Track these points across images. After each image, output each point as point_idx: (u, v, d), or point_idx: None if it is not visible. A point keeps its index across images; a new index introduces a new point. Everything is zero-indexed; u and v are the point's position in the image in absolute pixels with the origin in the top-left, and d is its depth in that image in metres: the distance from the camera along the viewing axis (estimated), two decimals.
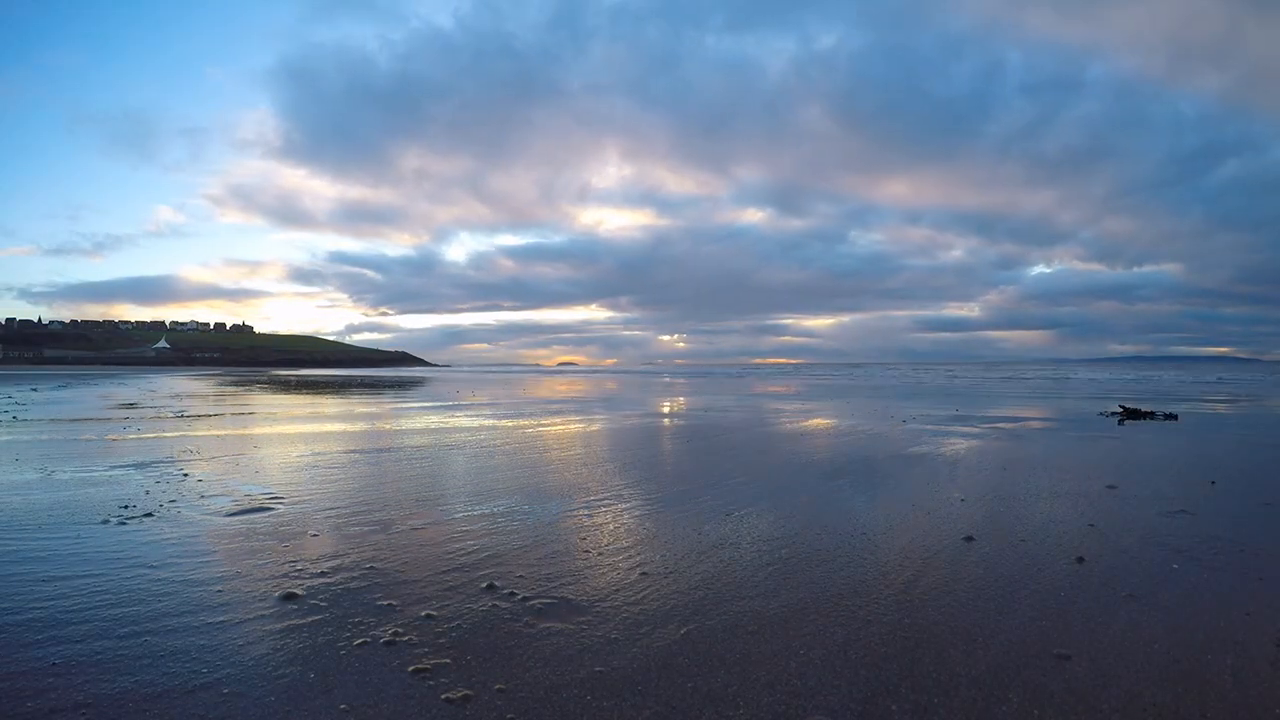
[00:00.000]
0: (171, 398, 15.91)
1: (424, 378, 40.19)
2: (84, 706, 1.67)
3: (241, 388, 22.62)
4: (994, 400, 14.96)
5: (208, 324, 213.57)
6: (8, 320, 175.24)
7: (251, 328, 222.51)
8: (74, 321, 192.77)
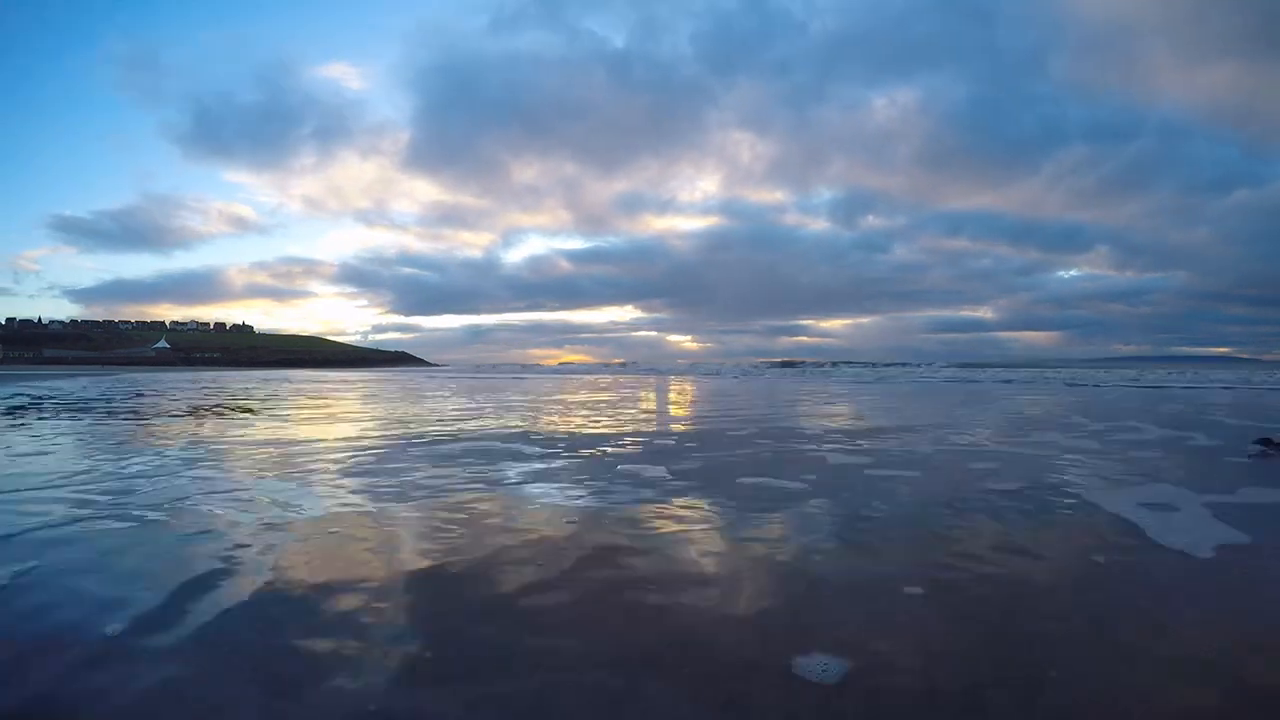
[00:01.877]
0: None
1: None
2: None
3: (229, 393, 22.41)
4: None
5: (208, 324, 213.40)
6: (8, 320, 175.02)
7: (252, 328, 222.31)
8: (74, 321, 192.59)
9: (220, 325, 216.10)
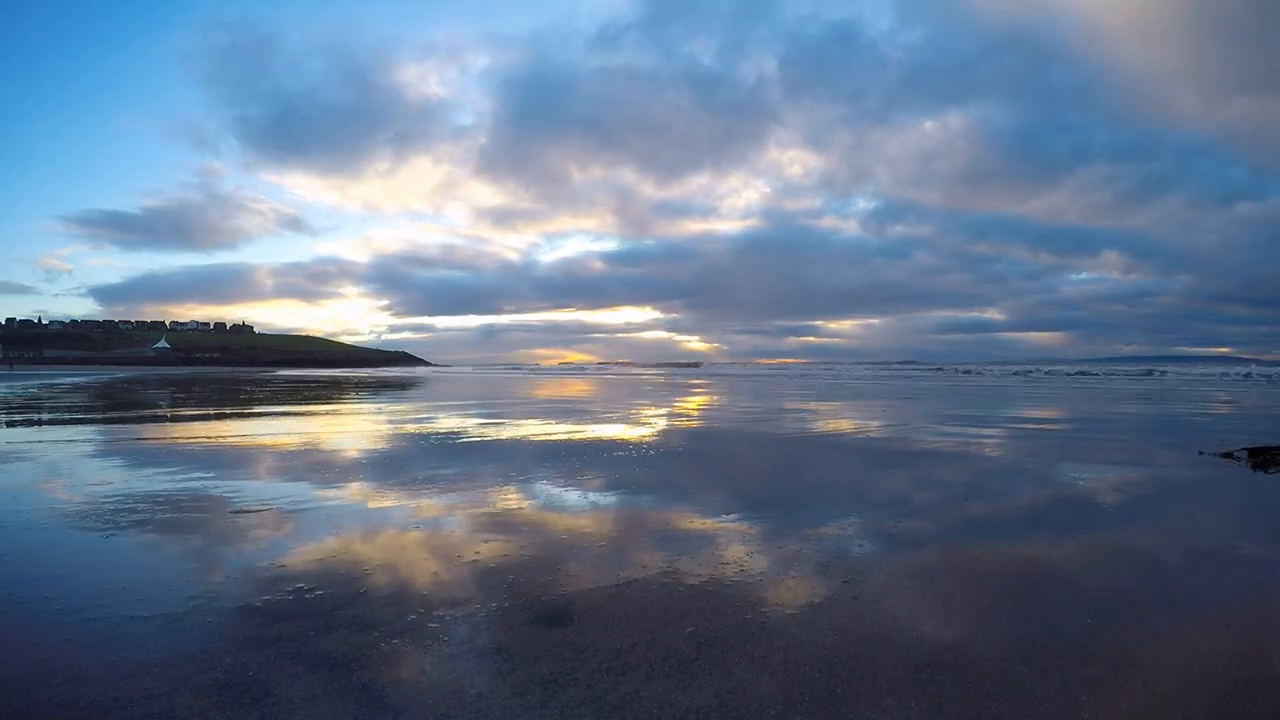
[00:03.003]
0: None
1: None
2: None
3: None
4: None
5: (208, 324, 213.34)
6: (8, 320, 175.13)
7: (252, 328, 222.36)
8: (74, 321, 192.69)
9: (220, 325, 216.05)
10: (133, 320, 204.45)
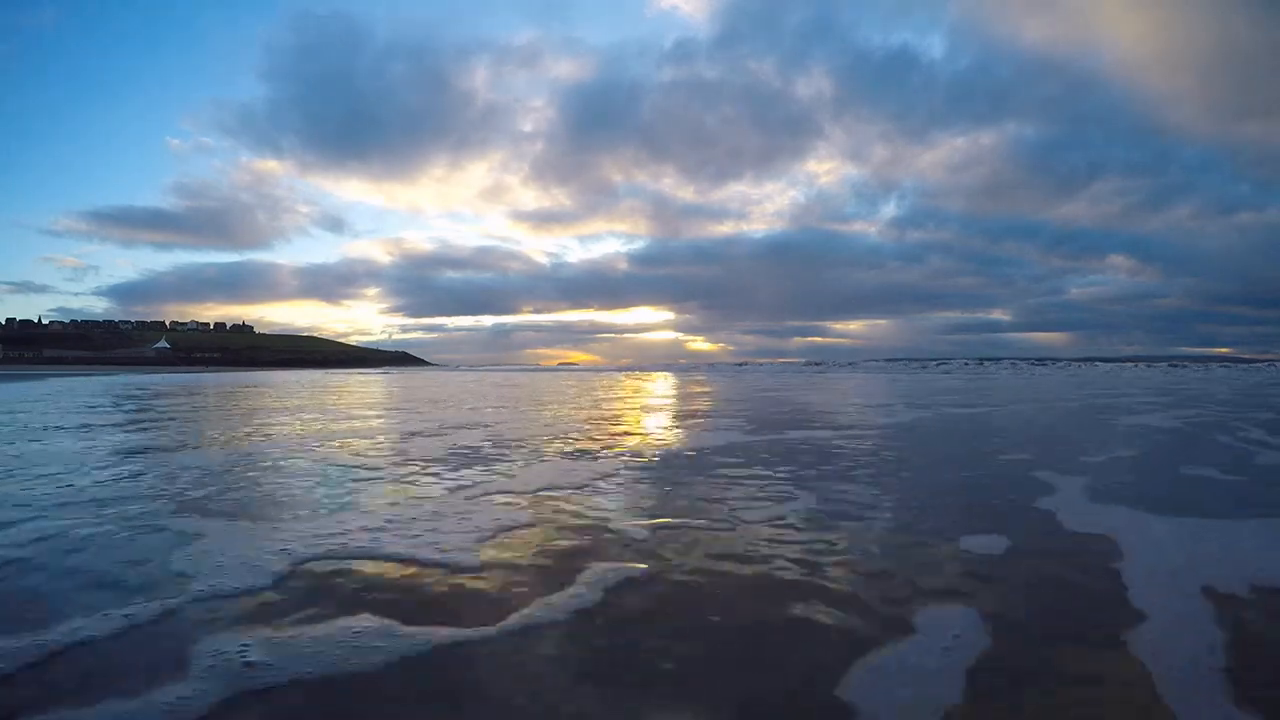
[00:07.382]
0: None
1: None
2: None
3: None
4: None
5: (208, 324, 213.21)
6: (8, 320, 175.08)
7: (251, 328, 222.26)
8: (74, 321, 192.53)
9: (220, 325, 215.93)
10: (132, 320, 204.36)
